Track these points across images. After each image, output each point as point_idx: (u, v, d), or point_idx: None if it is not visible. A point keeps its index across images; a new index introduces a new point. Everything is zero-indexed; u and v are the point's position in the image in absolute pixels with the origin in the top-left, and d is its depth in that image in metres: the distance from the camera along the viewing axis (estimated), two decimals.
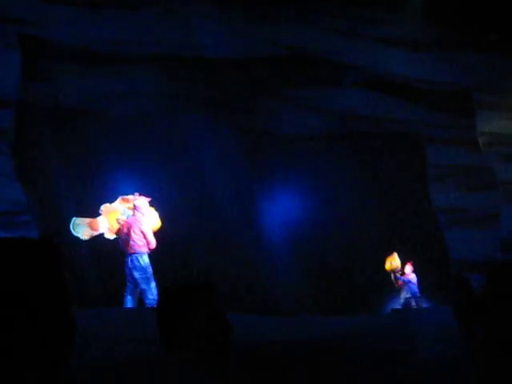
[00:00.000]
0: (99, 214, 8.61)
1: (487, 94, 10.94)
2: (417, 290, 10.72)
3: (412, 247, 10.73)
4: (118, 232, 8.48)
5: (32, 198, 10.22)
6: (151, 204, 8.56)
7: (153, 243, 8.26)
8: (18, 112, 10.26)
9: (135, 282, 8.22)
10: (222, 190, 10.51)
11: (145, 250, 8.25)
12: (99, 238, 8.60)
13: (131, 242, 8.24)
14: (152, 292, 8.08)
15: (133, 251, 8.22)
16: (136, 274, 8.17)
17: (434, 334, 5.60)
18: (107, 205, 8.62)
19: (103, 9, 10.25)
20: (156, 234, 8.39)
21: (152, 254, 8.33)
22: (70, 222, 8.71)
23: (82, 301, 7.36)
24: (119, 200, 8.63)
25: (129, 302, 8.25)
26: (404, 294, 10.67)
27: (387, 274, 10.56)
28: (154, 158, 10.48)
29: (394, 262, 10.53)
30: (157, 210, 8.79)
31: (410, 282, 10.63)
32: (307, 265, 10.33)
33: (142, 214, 8.38)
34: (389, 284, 10.37)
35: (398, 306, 10.43)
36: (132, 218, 8.40)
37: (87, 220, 8.64)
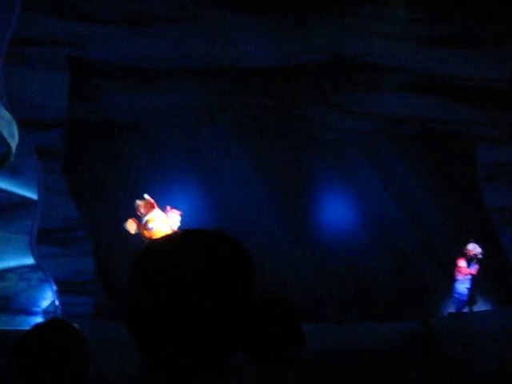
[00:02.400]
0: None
1: None
2: (465, 292, 10.30)
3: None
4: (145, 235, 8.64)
5: (85, 214, 10.46)
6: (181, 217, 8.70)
7: None
8: (68, 131, 10.55)
9: None
10: (271, 199, 10.52)
11: None
12: None
13: None
14: None
15: None
16: None
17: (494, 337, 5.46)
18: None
19: (143, 26, 10.47)
20: None
21: None
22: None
23: None
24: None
25: None
26: (461, 288, 10.22)
27: (449, 272, 10.12)
28: (200, 169, 10.58)
29: (476, 248, 10.14)
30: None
31: (464, 280, 10.24)
32: (361, 271, 10.22)
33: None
34: (447, 284, 10.08)
35: (453, 310, 10.15)
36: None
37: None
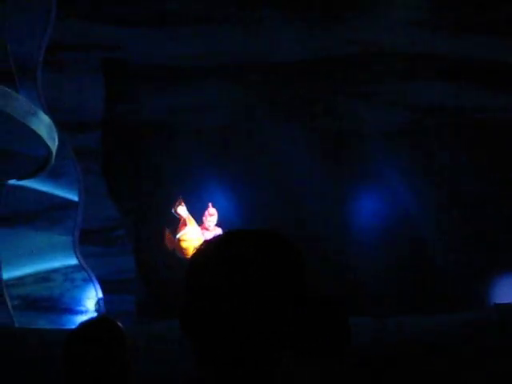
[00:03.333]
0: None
1: None
2: None
3: None
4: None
5: (124, 214, 10.63)
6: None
7: None
8: (105, 132, 10.74)
9: None
10: (307, 194, 10.49)
11: None
12: None
13: None
14: None
15: None
16: None
17: None
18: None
19: (175, 26, 10.56)
20: None
21: None
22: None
23: None
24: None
25: None
26: None
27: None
28: (237, 167, 10.61)
29: None
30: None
31: None
32: (403, 264, 10.09)
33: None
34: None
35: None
36: None
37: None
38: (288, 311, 1.06)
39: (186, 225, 8.72)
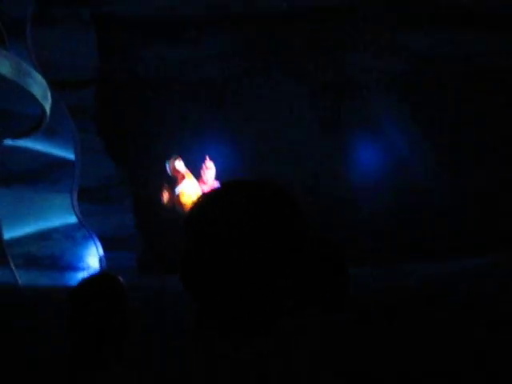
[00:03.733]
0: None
1: None
2: None
3: None
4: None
5: (122, 171, 10.62)
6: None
7: None
8: (99, 89, 10.62)
9: None
10: (305, 143, 10.44)
11: None
12: None
13: None
14: None
15: None
16: None
17: None
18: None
19: None
20: None
21: None
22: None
23: None
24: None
25: None
26: None
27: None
28: (234, 121, 10.54)
29: None
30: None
31: None
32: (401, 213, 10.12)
33: None
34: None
35: None
36: None
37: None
38: (286, 260, 1.06)
39: (184, 179, 8.73)
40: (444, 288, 5.58)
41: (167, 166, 8.77)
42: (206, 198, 1.13)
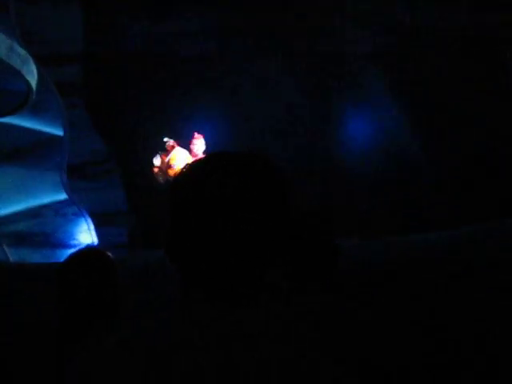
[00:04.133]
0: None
1: None
2: None
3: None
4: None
5: (111, 147, 10.56)
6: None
7: None
8: (87, 65, 10.50)
9: None
10: (293, 118, 10.43)
11: None
12: None
13: None
14: None
15: None
16: None
17: None
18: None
19: None
20: None
21: None
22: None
23: None
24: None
25: None
26: None
27: None
28: (221, 93, 10.48)
29: None
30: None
31: None
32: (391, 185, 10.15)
33: None
34: None
35: None
36: None
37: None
38: (272, 230, 1.06)
39: (174, 147, 8.77)
40: (432, 258, 5.62)
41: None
42: (190, 167, 1.12)
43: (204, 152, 8.81)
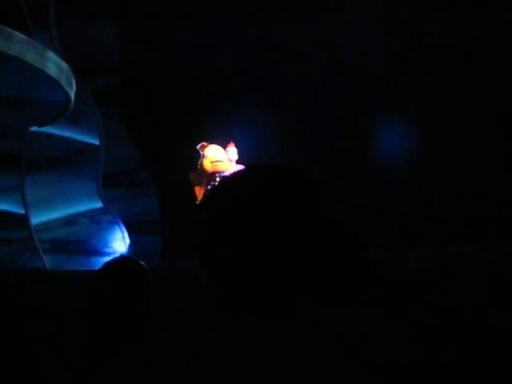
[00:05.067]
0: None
1: None
2: None
3: None
4: None
5: (145, 156, 10.69)
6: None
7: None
8: (122, 75, 10.67)
9: None
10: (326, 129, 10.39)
11: None
12: None
13: None
14: None
15: None
16: None
17: None
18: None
19: None
20: None
21: None
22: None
23: None
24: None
25: None
26: None
27: None
28: (259, 104, 10.50)
29: None
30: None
31: None
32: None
33: None
34: None
35: None
36: None
37: None
38: (305, 243, 1.08)
39: (208, 146, 8.61)
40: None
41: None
42: (226, 180, 1.15)
43: (237, 161, 8.81)
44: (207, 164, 8.46)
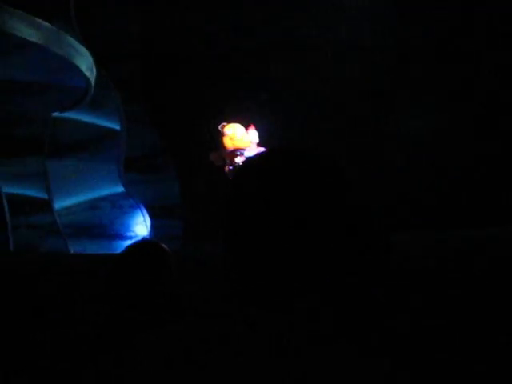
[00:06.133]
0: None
1: None
2: None
3: None
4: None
5: (166, 141, 10.73)
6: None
7: None
8: (144, 61, 10.69)
9: None
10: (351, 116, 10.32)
11: None
12: None
13: None
14: None
15: None
16: None
17: None
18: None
19: None
20: None
21: None
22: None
23: None
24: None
25: None
26: None
27: None
28: (279, 89, 10.46)
29: None
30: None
31: None
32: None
33: None
34: None
35: None
36: None
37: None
38: (333, 235, 1.04)
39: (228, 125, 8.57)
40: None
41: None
42: (250, 163, 1.12)
43: (257, 144, 8.77)
44: (227, 141, 8.44)
